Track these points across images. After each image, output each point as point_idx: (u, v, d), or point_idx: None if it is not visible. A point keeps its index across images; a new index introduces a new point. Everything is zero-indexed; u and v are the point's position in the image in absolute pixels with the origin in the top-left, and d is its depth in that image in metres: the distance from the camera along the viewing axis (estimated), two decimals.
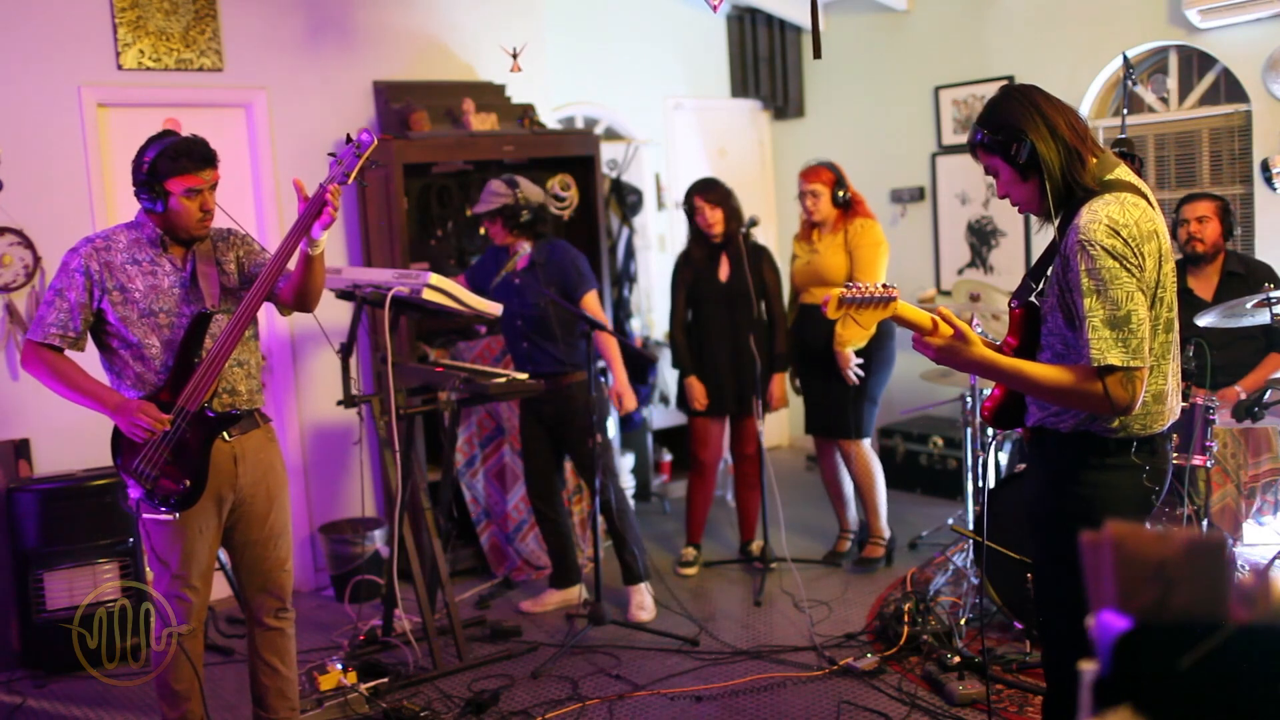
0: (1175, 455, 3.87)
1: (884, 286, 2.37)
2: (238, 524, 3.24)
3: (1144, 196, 2.37)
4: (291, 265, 3.13)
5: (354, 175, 3.05)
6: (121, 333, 3.04)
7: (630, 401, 4.71)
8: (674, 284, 5.12)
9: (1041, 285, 2.48)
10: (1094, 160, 2.39)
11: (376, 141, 3.07)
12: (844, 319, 4.82)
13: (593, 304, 4.51)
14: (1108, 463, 2.41)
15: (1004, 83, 5.94)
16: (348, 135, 3.10)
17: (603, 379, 4.84)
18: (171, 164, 3.00)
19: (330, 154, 3.12)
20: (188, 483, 3.04)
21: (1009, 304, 2.57)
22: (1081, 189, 2.36)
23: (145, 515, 3.06)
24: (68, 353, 3.07)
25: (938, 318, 2.41)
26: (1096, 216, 2.28)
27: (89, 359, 3.12)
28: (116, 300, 3.03)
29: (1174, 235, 4.47)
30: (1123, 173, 2.40)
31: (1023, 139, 2.36)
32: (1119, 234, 2.26)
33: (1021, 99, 2.42)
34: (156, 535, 3.10)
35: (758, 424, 4.94)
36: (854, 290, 2.35)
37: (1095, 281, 2.26)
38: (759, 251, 4.98)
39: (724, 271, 4.95)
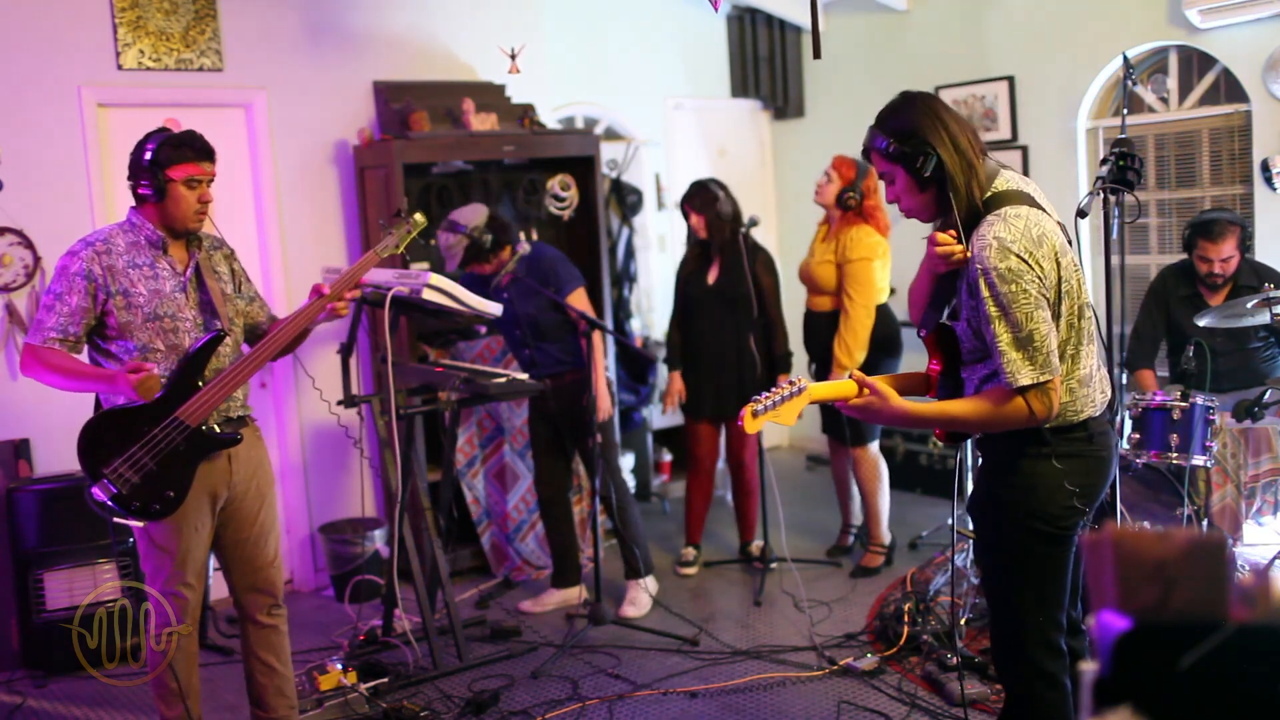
0: (1174, 455, 3.87)
1: (790, 382, 2.43)
2: (228, 522, 3.24)
3: (1028, 200, 2.42)
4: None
5: (401, 248, 3.44)
6: (124, 337, 3.04)
7: (604, 407, 4.59)
8: (675, 282, 5.17)
9: (949, 309, 2.53)
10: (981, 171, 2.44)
11: (425, 222, 3.51)
12: (839, 342, 4.84)
13: (580, 301, 4.51)
14: (1045, 452, 2.46)
15: (1003, 82, 5.96)
16: (399, 210, 3.53)
17: (609, 377, 4.85)
18: (174, 152, 3.04)
19: (382, 223, 3.45)
20: (170, 494, 3.03)
21: (918, 333, 2.62)
22: (971, 204, 2.40)
23: (115, 520, 3.04)
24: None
25: (857, 379, 2.44)
26: (986, 241, 2.34)
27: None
28: (119, 305, 3.02)
29: (1189, 256, 4.43)
30: (1001, 183, 2.45)
31: (929, 151, 2.38)
32: (1010, 252, 2.31)
33: (925, 110, 2.42)
34: (153, 532, 3.10)
35: None
36: (762, 401, 2.40)
37: (997, 308, 2.33)
38: (756, 253, 4.90)
39: (712, 274, 4.94)
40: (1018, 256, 2.31)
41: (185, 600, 3.14)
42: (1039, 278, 2.33)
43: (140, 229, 3.09)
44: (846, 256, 4.73)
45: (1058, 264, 2.38)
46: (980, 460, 2.69)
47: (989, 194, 2.43)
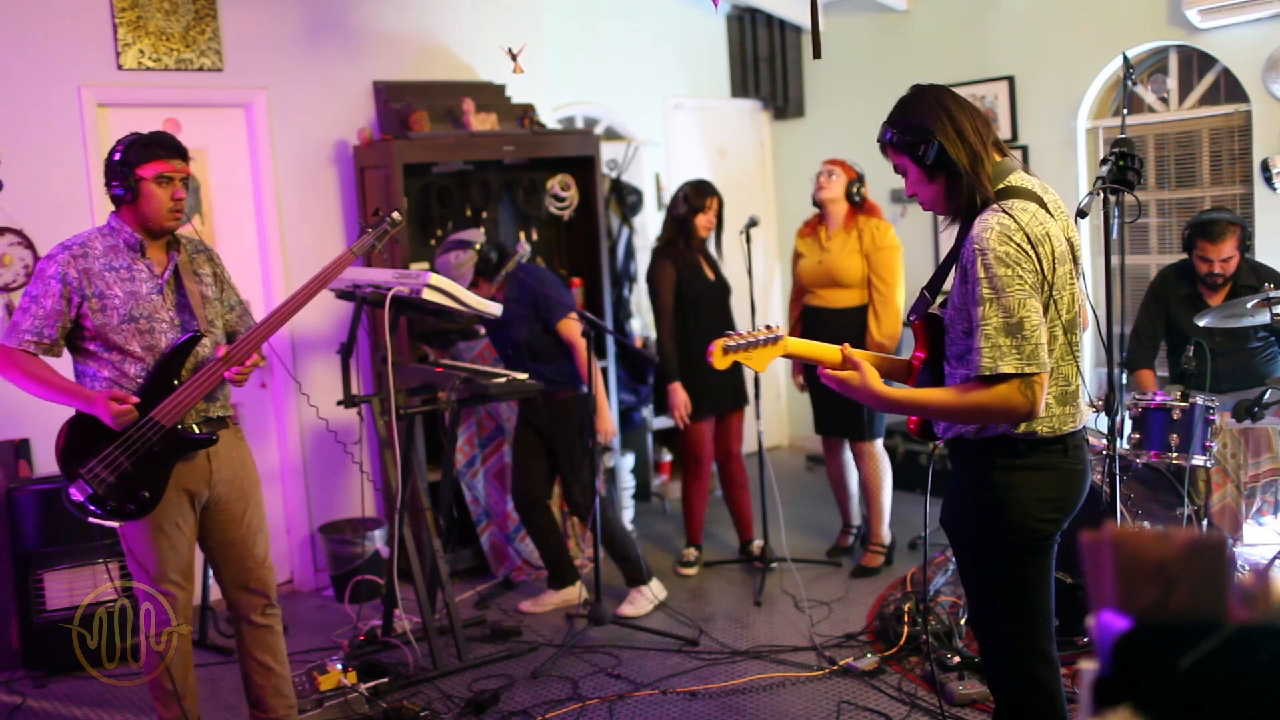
0: (1174, 455, 3.86)
1: (768, 328, 2.42)
2: (214, 524, 3.25)
3: (1037, 199, 2.39)
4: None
5: (378, 248, 3.44)
6: (101, 338, 3.06)
7: (608, 429, 4.61)
8: (658, 287, 4.97)
9: (941, 296, 2.50)
10: (991, 165, 2.41)
11: (403, 220, 3.49)
12: (878, 328, 4.82)
13: (568, 330, 4.50)
14: (1017, 464, 2.42)
15: (1003, 82, 5.96)
16: (376, 209, 3.44)
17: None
18: (144, 151, 3.07)
19: (362, 223, 3.42)
20: (145, 494, 3.04)
21: (908, 318, 2.59)
22: (981, 194, 2.37)
23: (91, 520, 3.05)
24: (41, 357, 3.08)
25: (845, 350, 2.44)
26: (988, 225, 2.31)
27: (62, 362, 3.17)
28: (95, 307, 3.05)
29: (1188, 256, 4.43)
30: (1016, 179, 2.42)
31: (930, 140, 2.37)
32: (1011, 239, 2.28)
33: (930, 100, 2.42)
34: (132, 534, 3.11)
35: (758, 422, 4.95)
36: (735, 339, 2.40)
37: (990, 289, 2.28)
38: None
39: (709, 271, 5.02)
40: (1017, 245, 2.28)
41: (173, 599, 3.14)
42: (1034, 271, 2.29)
43: (119, 232, 3.12)
44: (876, 245, 4.76)
45: (1054, 269, 2.34)
46: (952, 472, 2.60)
47: (1000, 187, 2.39)
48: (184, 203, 3.12)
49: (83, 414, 3.05)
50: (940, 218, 2.53)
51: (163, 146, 3.08)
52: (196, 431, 3.14)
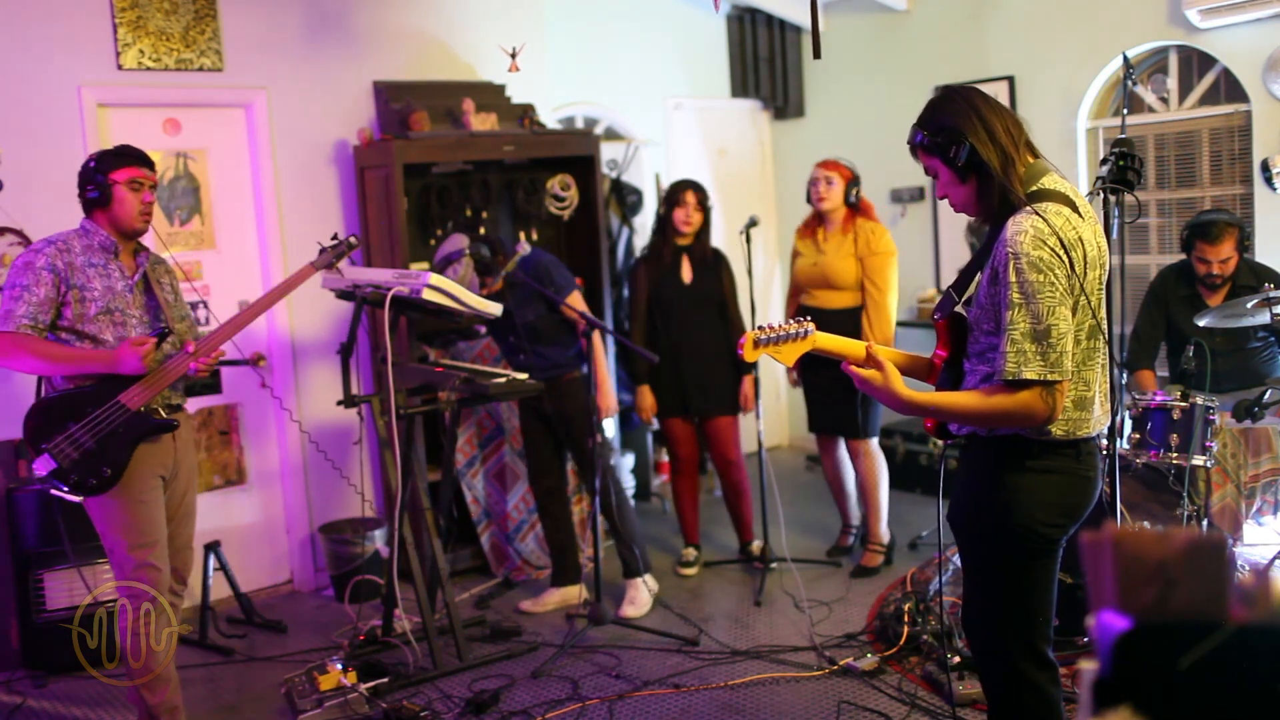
0: (1174, 455, 3.86)
1: (797, 321, 2.41)
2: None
3: (1069, 203, 2.37)
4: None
5: (335, 266, 3.73)
6: (76, 328, 3.25)
7: (609, 405, 4.69)
8: (631, 290, 5.07)
9: (966, 295, 2.49)
10: (1025, 167, 2.40)
11: (359, 244, 3.83)
12: (870, 333, 4.82)
13: (577, 304, 4.53)
14: (1029, 465, 2.41)
15: (1003, 82, 5.96)
16: (335, 234, 3.74)
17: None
18: (116, 159, 3.34)
19: (320, 244, 3.70)
20: (107, 471, 3.22)
21: (932, 317, 2.58)
22: (1013, 196, 2.35)
23: (52, 492, 3.24)
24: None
25: (870, 349, 2.42)
26: (1021, 228, 2.28)
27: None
28: (75, 299, 3.25)
29: (1189, 261, 4.43)
30: (1049, 181, 2.40)
31: (961, 141, 2.36)
32: (1045, 243, 2.26)
33: (960, 101, 2.41)
34: (110, 508, 3.25)
35: (758, 422, 4.95)
36: (767, 332, 2.40)
37: (1020, 294, 2.27)
38: (719, 256, 5.01)
39: (687, 274, 4.96)
40: (1051, 250, 2.26)
41: (159, 572, 3.29)
42: (1068, 274, 2.27)
43: (93, 234, 3.34)
44: (871, 249, 4.77)
45: (1085, 273, 2.32)
46: (960, 470, 2.59)
47: (1033, 189, 2.37)
48: (152, 207, 3.39)
49: (54, 395, 3.24)
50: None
51: (132, 156, 3.36)
52: (162, 416, 3.33)
